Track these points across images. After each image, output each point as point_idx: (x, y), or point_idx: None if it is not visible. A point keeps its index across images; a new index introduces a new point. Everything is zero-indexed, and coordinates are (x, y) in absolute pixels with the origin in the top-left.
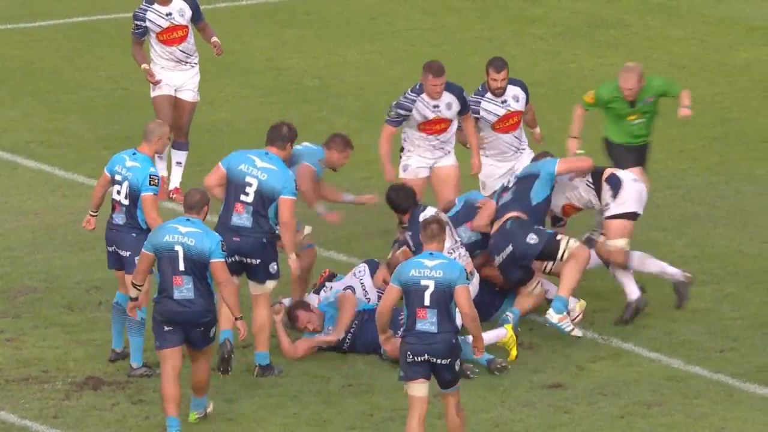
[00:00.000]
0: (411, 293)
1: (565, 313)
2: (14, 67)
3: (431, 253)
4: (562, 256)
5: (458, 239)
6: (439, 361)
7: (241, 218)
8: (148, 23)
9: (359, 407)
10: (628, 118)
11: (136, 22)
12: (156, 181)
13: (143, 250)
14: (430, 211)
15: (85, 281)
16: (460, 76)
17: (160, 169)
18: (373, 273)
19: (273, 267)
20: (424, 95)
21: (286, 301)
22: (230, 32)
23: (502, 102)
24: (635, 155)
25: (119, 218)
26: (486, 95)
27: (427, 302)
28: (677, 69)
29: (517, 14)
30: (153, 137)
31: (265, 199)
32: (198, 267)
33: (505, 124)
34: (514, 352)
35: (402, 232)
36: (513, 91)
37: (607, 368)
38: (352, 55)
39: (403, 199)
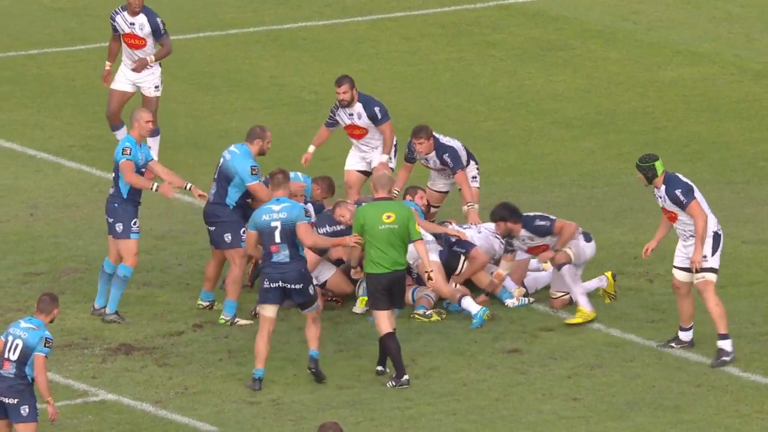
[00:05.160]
0: (264, 234)
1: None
2: (59, 83)
3: (278, 199)
4: None
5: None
6: (291, 285)
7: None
8: (116, 24)
9: (348, 369)
10: None
11: (110, 20)
12: (128, 151)
13: None
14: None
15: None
16: (432, 91)
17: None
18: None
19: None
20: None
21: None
22: (239, 54)
23: (349, 114)
24: None
25: (111, 190)
26: (340, 106)
27: (277, 239)
28: (615, 85)
29: (481, 39)
30: (132, 121)
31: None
32: (223, 178)
33: (351, 132)
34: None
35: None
36: (358, 109)
37: (557, 336)
38: (342, 73)
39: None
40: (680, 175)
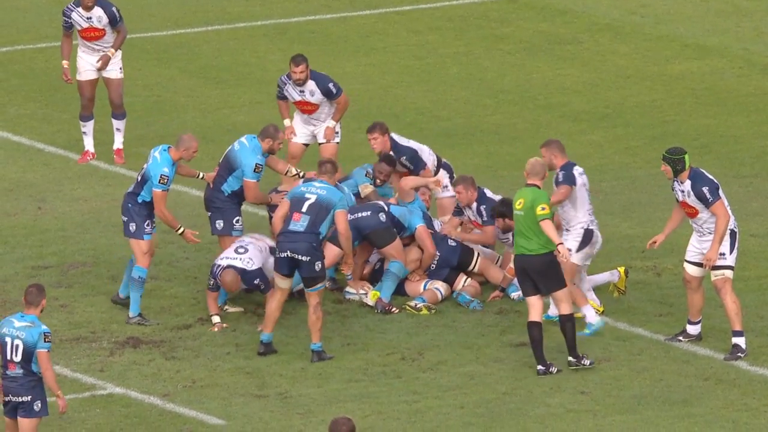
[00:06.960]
0: (294, 201)
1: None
2: None
3: (321, 180)
4: None
5: None
6: (299, 257)
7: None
8: (72, 21)
9: (356, 363)
10: None
11: (63, 17)
12: (165, 180)
13: None
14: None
15: (126, 256)
16: (440, 84)
17: (87, 144)
18: None
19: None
20: (290, 81)
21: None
22: (247, 48)
23: (300, 91)
24: None
25: (130, 187)
26: (289, 82)
27: (304, 209)
28: (623, 79)
29: (489, 32)
30: (181, 146)
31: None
32: (226, 165)
33: (302, 107)
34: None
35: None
36: (310, 86)
37: None
38: (350, 66)
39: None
40: (706, 171)
